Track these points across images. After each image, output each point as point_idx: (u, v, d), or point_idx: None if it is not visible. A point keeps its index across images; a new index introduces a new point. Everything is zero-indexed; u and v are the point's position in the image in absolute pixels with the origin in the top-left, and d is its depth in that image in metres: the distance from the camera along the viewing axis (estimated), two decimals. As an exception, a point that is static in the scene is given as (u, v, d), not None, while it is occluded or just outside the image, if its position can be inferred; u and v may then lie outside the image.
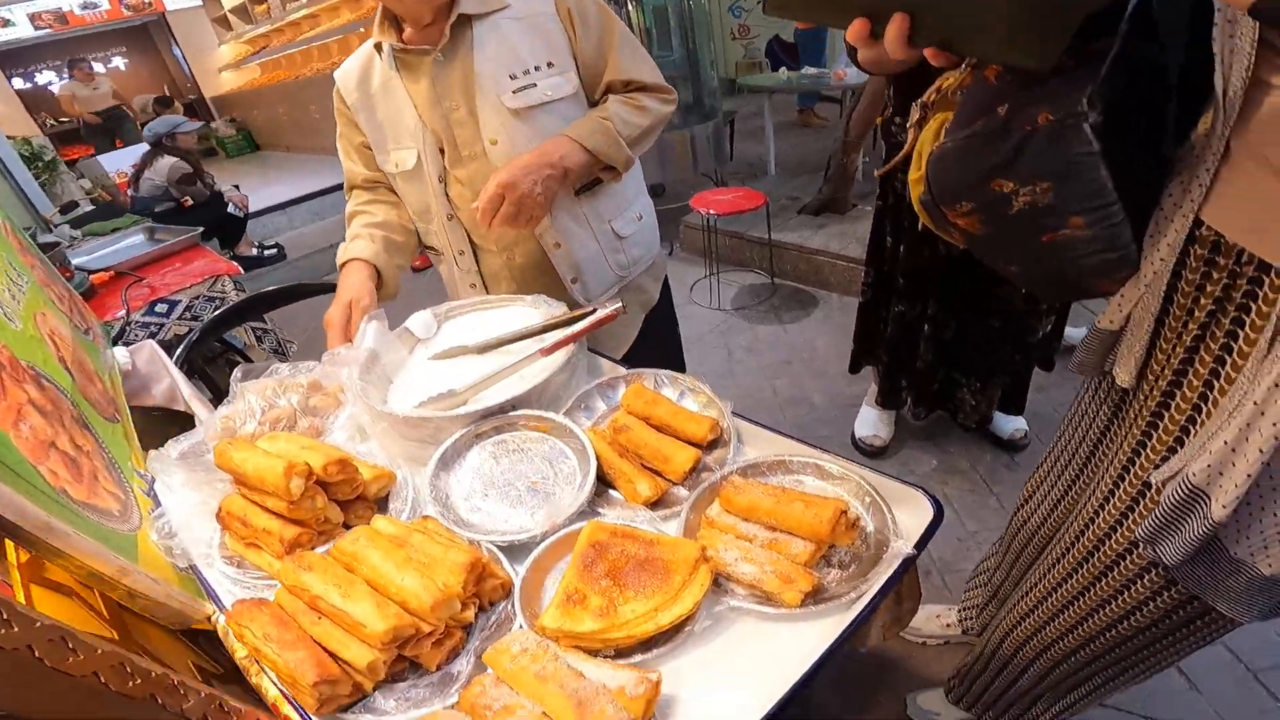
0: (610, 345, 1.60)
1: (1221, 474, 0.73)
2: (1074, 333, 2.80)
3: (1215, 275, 0.75)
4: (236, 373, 1.33)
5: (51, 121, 10.30)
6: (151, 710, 0.68)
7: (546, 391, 1.14)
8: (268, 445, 1.01)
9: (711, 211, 3.47)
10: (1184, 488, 0.76)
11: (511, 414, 1.11)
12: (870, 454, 2.49)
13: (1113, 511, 0.96)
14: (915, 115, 1.09)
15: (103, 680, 0.63)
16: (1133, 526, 0.92)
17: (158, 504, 1.12)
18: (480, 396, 1.16)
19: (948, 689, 1.59)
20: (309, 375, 1.32)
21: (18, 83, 10.23)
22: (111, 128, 8.92)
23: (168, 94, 10.12)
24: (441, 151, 1.43)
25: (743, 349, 3.24)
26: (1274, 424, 0.66)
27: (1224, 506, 0.72)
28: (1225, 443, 0.71)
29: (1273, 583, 0.78)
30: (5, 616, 0.55)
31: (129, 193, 5.04)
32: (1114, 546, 0.96)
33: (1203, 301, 0.78)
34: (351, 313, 1.37)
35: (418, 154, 1.43)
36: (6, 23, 9.53)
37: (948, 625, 1.82)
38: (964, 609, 1.77)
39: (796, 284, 3.84)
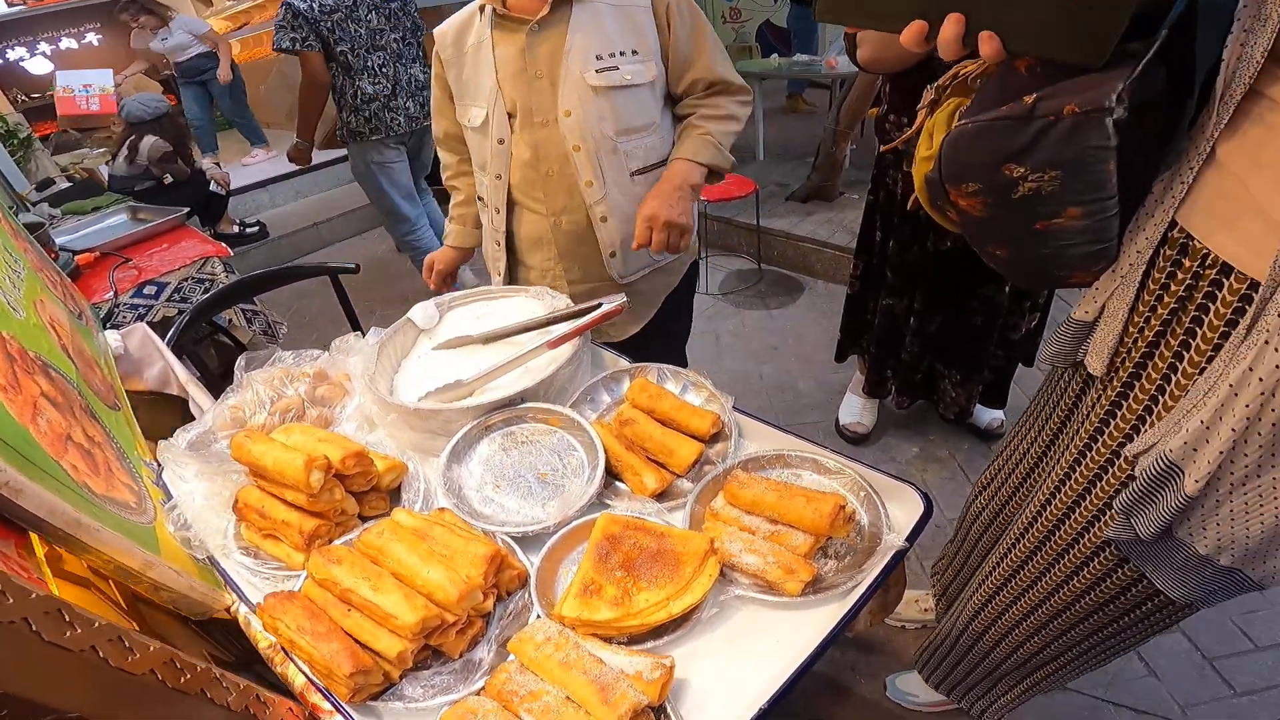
0: (628, 320, 1.72)
1: (1196, 450, 0.78)
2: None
3: (1180, 275, 0.81)
4: (240, 360, 1.35)
5: (23, 97, 9.86)
6: (201, 705, 0.71)
7: (553, 384, 1.18)
8: (283, 438, 1.03)
9: (701, 197, 3.49)
10: (1161, 463, 0.81)
11: (520, 406, 1.14)
12: (853, 440, 2.56)
13: (1072, 490, 1.02)
14: (928, 97, 1.13)
15: (159, 678, 0.66)
16: (1094, 503, 0.98)
17: (168, 494, 1.14)
18: (488, 388, 1.19)
19: (920, 669, 1.66)
20: (314, 364, 1.34)
21: (-13, 59, 9.81)
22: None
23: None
24: (510, 116, 1.52)
25: (730, 334, 3.28)
26: (1246, 405, 0.71)
27: (1196, 481, 0.77)
28: (1201, 422, 0.76)
29: (1205, 562, 0.84)
30: (68, 619, 0.58)
31: (106, 170, 4.88)
32: (1072, 526, 1.03)
33: (1166, 299, 0.84)
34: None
35: (486, 114, 1.53)
36: (-21, -4, 8.97)
37: (925, 610, 1.89)
38: (936, 593, 1.84)
39: (783, 270, 3.89)
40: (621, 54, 1.47)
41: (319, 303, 4.16)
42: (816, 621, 0.86)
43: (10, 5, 9.42)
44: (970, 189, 0.93)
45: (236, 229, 5.47)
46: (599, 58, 1.45)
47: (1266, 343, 0.69)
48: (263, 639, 0.94)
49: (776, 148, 5.38)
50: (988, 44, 0.76)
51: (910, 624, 1.91)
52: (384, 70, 3.31)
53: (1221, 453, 0.75)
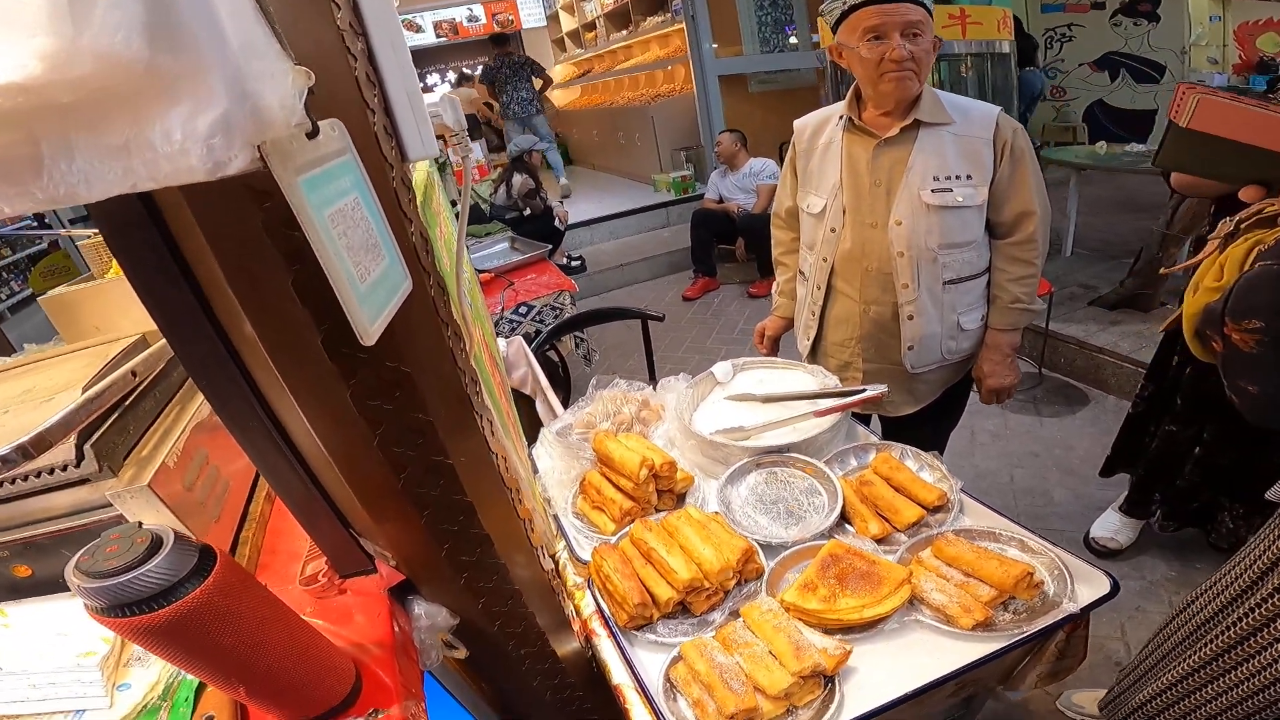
0: (906, 401, 1.93)
1: None
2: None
3: None
4: (594, 380, 1.87)
5: (434, 121, 12.21)
6: (555, 598, 1.15)
7: (814, 444, 1.53)
8: (625, 441, 1.50)
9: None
10: None
11: (785, 455, 1.51)
12: (1101, 554, 2.47)
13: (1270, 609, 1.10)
14: (1224, 229, 1.21)
15: (551, 583, 1.12)
16: None
17: (535, 468, 1.67)
18: (763, 436, 1.57)
19: None
20: (640, 393, 1.83)
21: (413, 82, 12.20)
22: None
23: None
24: (844, 211, 1.75)
25: (988, 433, 3.24)
26: None
27: None
28: None
29: None
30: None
31: (489, 199, 6.05)
32: (1266, 636, 1.11)
33: None
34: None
35: (825, 205, 1.78)
36: (419, 28, 11.11)
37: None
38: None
39: (1068, 379, 3.69)
40: (957, 178, 1.62)
41: (612, 332, 4.81)
42: (973, 653, 1.10)
43: (437, 36, 11.34)
44: (1251, 325, 1.01)
45: (565, 261, 6.36)
46: (936, 179, 1.62)
47: None
48: (569, 579, 1.37)
49: (1092, 242, 4.93)
50: None
51: (1078, 714, 1.91)
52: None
53: None
